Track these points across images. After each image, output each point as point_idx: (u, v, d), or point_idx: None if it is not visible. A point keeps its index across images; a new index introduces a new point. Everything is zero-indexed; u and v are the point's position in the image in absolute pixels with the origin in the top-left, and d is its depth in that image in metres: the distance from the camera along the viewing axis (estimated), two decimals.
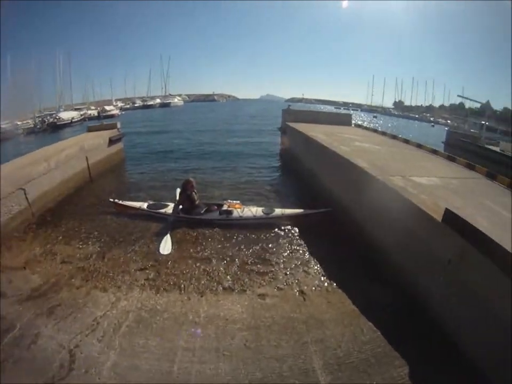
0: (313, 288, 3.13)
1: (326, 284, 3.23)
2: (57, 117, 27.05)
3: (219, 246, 3.99)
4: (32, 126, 26.62)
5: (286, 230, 4.36)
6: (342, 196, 4.71)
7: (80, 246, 4.13)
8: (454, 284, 2.34)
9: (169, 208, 4.80)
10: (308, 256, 3.74)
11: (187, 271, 3.40)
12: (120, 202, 5.22)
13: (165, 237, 4.03)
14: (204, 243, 4.07)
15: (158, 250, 3.78)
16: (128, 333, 2.43)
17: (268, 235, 4.23)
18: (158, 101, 49.58)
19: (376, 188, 3.59)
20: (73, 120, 27.01)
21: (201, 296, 2.91)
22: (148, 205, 5.10)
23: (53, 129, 23.63)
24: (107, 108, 36.09)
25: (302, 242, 4.08)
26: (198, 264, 3.53)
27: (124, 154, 9.95)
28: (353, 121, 10.59)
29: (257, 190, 6.35)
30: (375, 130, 9.05)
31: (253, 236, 4.21)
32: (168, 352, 2.21)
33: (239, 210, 4.59)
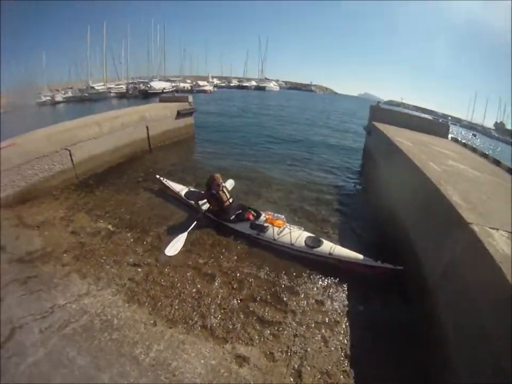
0: (319, 374, 2.57)
1: (340, 375, 2.59)
2: (149, 86, 38.00)
3: (235, 264, 3.98)
4: (124, 91, 39.18)
5: (329, 272, 3.91)
6: (422, 248, 3.78)
7: (98, 219, 4.95)
8: None
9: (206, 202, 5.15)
10: (339, 318, 3.22)
11: (178, 285, 3.49)
12: (164, 181, 6.08)
13: (179, 236, 4.34)
14: (219, 255, 4.14)
15: (165, 248, 4.07)
16: (67, 337, 2.67)
17: (302, 270, 3.94)
18: (253, 83, 64.43)
19: (469, 245, 2.65)
20: (164, 91, 36.04)
21: (170, 328, 2.87)
22: (186, 192, 5.68)
23: (143, 97, 33.21)
24: (200, 83, 48.51)
25: (342, 298, 3.55)
26: (196, 280, 3.59)
27: (193, 129, 11.91)
28: (449, 135, 10.70)
29: (312, 202, 6.15)
30: (474, 149, 8.95)
31: (283, 264, 4.03)
32: (87, 382, 2.27)
33: (276, 229, 4.41)
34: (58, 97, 42.86)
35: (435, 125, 11.07)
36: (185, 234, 4.40)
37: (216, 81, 62.64)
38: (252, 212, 4.87)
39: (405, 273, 3.70)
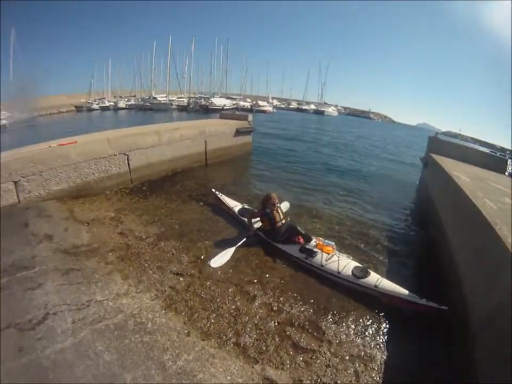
0: None
1: None
2: (210, 101, 42.90)
3: (278, 286, 4.03)
4: (186, 104, 40.65)
5: (372, 305, 3.89)
6: (470, 289, 3.67)
7: (147, 224, 5.27)
8: None
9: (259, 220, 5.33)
10: (375, 353, 3.15)
11: (218, 299, 3.53)
12: (219, 195, 6.43)
13: (227, 250, 4.51)
14: (263, 275, 4.22)
15: (210, 260, 4.24)
16: (98, 332, 2.77)
17: (345, 300, 3.96)
18: (312, 106, 69.94)
19: None
20: (224, 107, 40.03)
21: (203, 340, 2.88)
22: (240, 209, 5.93)
23: (204, 111, 36.53)
24: (260, 103, 53.90)
25: (382, 333, 3.48)
26: (237, 297, 3.64)
27: (250, 148, 12.60)
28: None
29: (363, 234, 6.07)
30: None
31: (327, 292, 4.06)
32: (108, 379, 2.31)
33: (325, 255, 4.47)
34: (121, 104, 49.01)
35: (492, 159, 11.10)
36: (233, 249, 4.55)
37: (276, 102, 68.66)
38: (303, 234, 4.91)
39: (449, 313, 3.63)
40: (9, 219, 4.61)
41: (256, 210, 5.30)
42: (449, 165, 7.75)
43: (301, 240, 4.80)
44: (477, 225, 3.99)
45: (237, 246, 4.63)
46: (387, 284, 4.03)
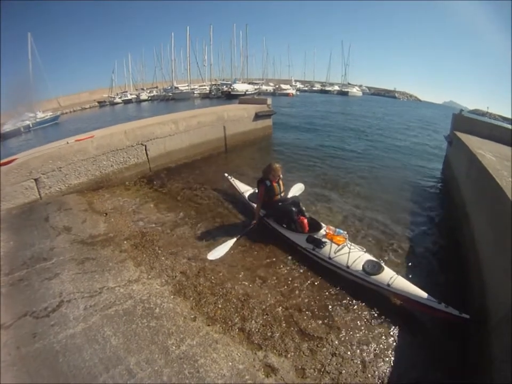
0: None
1: None
2: (232, 88, 43.33)
3: (290, 272, 4.05)
4: (208, 92, 46.28)
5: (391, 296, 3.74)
6: (490, 280, 3.40)
7: (164, 212, 5.47)
8: None
9: None
10: (387, 344, 3.06)
11: (228, 284, 3.61)
12: (231, 180, 6.38)
13: (226, 242, 4.43)
14: (276, 261, 4.26)
15: (209, 251, 4.24)
16: (108, 317, 2.93)
17: (362, 287, 3.82)
18: (336, 88, 70.84)
19: None
20: (246, 93, 40.82)
21: (208, 325, 2.96)
22: (250, 194, 5.82)
23: (226, 97, 37.60)
24: (283, 86, 55.10)
25: (397, 321, 3.36)
26: (246, 282, 3.70)
27: (271, 132, 12.68)
28: None
29: (378, 217, 5.87)
30: None
31: (341, 277, 3.97)
32: (113, 362, 2.44)
33: (334, 246, 4.20)
34: (143, 96, 50.81)
35: None
36: (233, 241, 4.47)
37: (299, 85, 70.24)
38: (306, 216, 4.75)
39: (473, 327, 3.29)
40: (30, 215, 4.91)
41: (258, 192, 5.02)
42: (474, 142, 7.55)
43: (305, 222, 4.64)
44: (501, 208, 3.71)
45: (237, 237, 4.55)
46: (402, 283, 3.72)
